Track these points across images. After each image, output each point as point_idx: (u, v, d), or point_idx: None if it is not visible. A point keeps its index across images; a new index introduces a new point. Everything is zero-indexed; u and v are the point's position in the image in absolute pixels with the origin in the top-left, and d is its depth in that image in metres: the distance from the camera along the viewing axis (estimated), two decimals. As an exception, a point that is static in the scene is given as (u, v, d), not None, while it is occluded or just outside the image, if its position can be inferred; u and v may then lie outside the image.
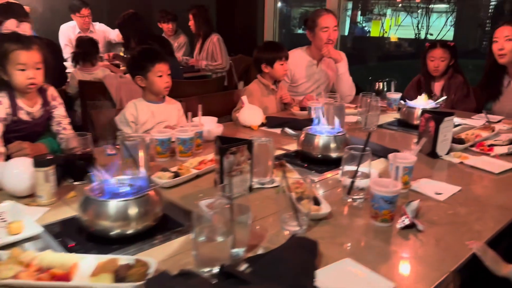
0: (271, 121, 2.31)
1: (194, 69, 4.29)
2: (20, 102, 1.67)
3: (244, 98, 2.28)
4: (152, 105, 2.11)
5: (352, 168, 1.39)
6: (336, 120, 1.76)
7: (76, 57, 3.18)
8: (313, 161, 1.73)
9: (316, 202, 1.31)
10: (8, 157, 1.56)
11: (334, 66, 2.91)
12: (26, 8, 3.08)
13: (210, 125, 1.96)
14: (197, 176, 1.55)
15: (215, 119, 2.11)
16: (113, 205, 1.08)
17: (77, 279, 0.91)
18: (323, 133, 1.74)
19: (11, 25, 1.64)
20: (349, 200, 1.39)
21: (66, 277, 0.91)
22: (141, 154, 1.44)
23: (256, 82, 2.63)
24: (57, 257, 0.96)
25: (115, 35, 4.80)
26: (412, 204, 1.29)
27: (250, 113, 2.25)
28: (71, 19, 4.77)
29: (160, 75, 2.06)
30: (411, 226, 1.21)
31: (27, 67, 1.64)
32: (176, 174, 1.48)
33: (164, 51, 3.49)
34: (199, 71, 4.28)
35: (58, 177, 1.46)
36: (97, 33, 4.87)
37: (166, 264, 1.02)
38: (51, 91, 1.79)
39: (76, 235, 1.12)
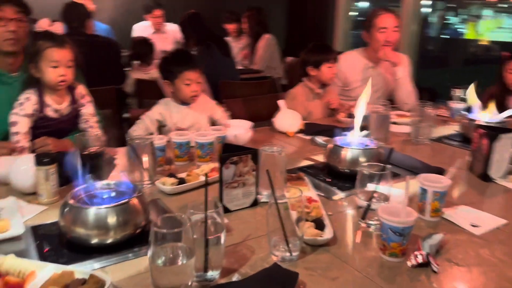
0: (309, 128, 2.16)
1: (254, 70, 4.24)
2: (48, 99, 1.71)
3: (281, 102, 2.16)
4: (182, 107, 2.06)
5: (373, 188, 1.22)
6: (364, 131, 1.57)
7: (131, 57, 3.28)
8: (339, 175, 1.56)
9: (321, 225, 1.16)
10: (33, 152, 1.60)
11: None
12: (91, 7, 3.24)
13: (238, 130, 1.87)
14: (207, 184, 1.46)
15: (248, 123, 2.01)
16: (89, 212, 1.03)
17: (28, 289, 0.86)
18: (352, 145, 1.57)
19: (44, 24, 1.68)
20: (363, 225, 1.22)
21: (19, 286, 0.87)
22: (145, 158, 1.39)
23: (301, 86, 2.48)
24: (17, 263, 0.92)
25: (185, 35, 4.92)
26: (434, 238, 1.08)
27: (286, 118, 2.12)
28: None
29: (188, 84, 1.99)
30: (425, 265, 1.01)
31: (59, 65, 1.67)
32: (181, 181, 1.41)
33: (221, 52, 3.50)
34: (259, 72, 4.22)
35: (68, 176, 1.47)
36: (168, 33, 5.02)
37: (132, 281, 0.95)
38: (80, 89, 1.81)
39: (56, 240, 1.09)
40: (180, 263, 0.87)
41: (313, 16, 5.96)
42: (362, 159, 1.53)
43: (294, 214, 1.13)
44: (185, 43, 3.69)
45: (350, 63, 2.72)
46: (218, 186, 1.26)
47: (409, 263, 1.02)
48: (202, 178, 1.45)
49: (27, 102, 1.67)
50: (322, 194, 1.43)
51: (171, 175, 1.44)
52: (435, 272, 0.99)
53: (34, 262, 0.95)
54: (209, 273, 0.95)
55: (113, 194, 1.14)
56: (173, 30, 5.03)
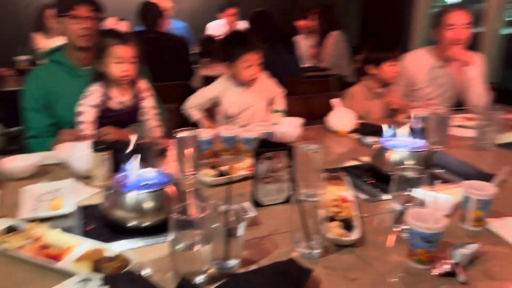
0: (364, 128, 2.11)
1: (320, 68, 4.20)
2: (112, 92, 1.85)
3: (335, 101, 2.13)
4: (239, 88, 2.08)
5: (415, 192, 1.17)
6: (414, 133, 1.51)
7: (200, 55, 3.42)
8: (383, 177, 1.51)
9: (349, 225, 1.15)
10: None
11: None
12: (168, 5, 3.44)
13: (286, 127, 1.88)
14: (247, 178, 1.50)
15: (298, 120, 2.01)
16: (127, 196, 1.12)
17: (64, 261, 0.97)
18: (399, 147, 1.51)
19: (111, 22, 1.82)
20: (396, 229, 1.18)
21: (57, 257, 0.98)
22: (188, 150, 1.47)
23: (360, 84, 2.43)
24: (59, 237, 1.04)
25: (257, 33, 5.01)
26: (467, 247, 1.02)
27: (339, 117, 2.09)
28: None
29: (248, 66, 2.01)
30: (453, 274, 0.96)
31: (123, 61, 1.81)
32: (222, 173, 1.46)
33: (286, 50, 3.52)
34: (326, 70, 4.17)
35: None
36: (241, 31, 5.15)
37: (157, 264, 1.01)
38: (142, 84, 1.94)
39: (99, 220, 1.19)
40: (196, 249, 0.92)
41: (390, 12, 5.73)
42: (408, 162, 1.47)
43: (323, 213, 1.14)
44: (252, 41, 3.75)
45: (416, 62, 2.60)
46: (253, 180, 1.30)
47: (435, 271, 0.98)
48: (243, 172, 1.49)
49: (93, 94, 1.82)
50: (363, 196, 1.41)
51: (213, 167, 1.50)
52: (462, 283, 0.94)
53: (75, 237, 1.05)
54: (229, 262, 0.99)
55: (152, 181, 1.21)
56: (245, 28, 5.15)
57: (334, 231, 1.11)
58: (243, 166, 1.53)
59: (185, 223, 0.92)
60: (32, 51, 3.70)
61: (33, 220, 1.13)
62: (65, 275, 0.93)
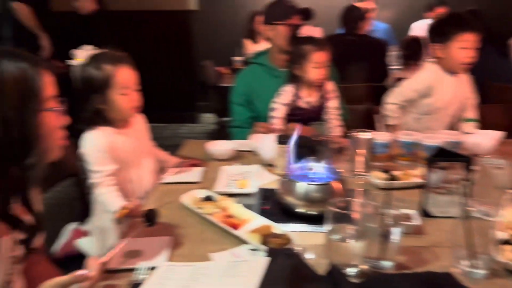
0: None
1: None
2: (302, 92, 2.02)
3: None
4: (449, 77, 1.97)
5: None
6: None
7: (403, 57, 3.33)
8: None
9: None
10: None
11: None
12: (371, 6, 3.50)
13: (478, 138, 1.73)
14: (420, 187, 1.46)
15: (495, 133, 1.81)
16: (296, 185, 1.26)
17: (241, 230, 1.16)
18: None
19: (306, 29, 1.99)
20: None
21: (236, 226, 1.18)
22: (361, 151, 1.52)
23: None
24: (240, 211, 1.24)
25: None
26: None
27: (548, 133, 1.80)
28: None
29: (464, 47, 1.88)
30: None
31: (320, 66, 1.95)
32: (393, 178, 1.46)
33: (497, 51, 3.16)
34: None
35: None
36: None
37: (315, 249, 1.11)
38: (329, 85, 2.05)
39: (275, 203, 1.35)
40: (349, 243, 0.98)
41: None
42: None
43: (500, 234, 1.07)
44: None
45: None
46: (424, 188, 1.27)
47: None
48: (416, 180, 1.46)
49: (286, 93, 2.03)
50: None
51: (386, 171, 1.51)
52: None
53: (251, 213, 1.24)
54: (381, 262, 1.02)
55: (321, 175, 1.32)
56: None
57: (507, 255, 1.02)
58: (417, 173, 1.49)
59: (342, 216, 0.99)
60: (243, 54, 4.26)
61: (224, 194, 1.38)
62: (240, 241, 1.13)
